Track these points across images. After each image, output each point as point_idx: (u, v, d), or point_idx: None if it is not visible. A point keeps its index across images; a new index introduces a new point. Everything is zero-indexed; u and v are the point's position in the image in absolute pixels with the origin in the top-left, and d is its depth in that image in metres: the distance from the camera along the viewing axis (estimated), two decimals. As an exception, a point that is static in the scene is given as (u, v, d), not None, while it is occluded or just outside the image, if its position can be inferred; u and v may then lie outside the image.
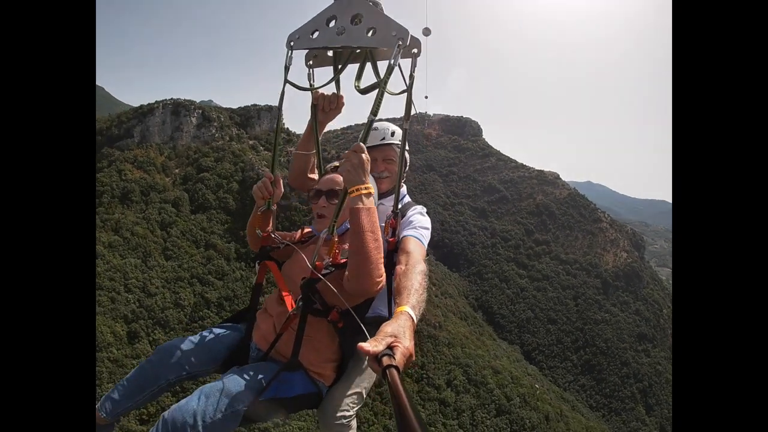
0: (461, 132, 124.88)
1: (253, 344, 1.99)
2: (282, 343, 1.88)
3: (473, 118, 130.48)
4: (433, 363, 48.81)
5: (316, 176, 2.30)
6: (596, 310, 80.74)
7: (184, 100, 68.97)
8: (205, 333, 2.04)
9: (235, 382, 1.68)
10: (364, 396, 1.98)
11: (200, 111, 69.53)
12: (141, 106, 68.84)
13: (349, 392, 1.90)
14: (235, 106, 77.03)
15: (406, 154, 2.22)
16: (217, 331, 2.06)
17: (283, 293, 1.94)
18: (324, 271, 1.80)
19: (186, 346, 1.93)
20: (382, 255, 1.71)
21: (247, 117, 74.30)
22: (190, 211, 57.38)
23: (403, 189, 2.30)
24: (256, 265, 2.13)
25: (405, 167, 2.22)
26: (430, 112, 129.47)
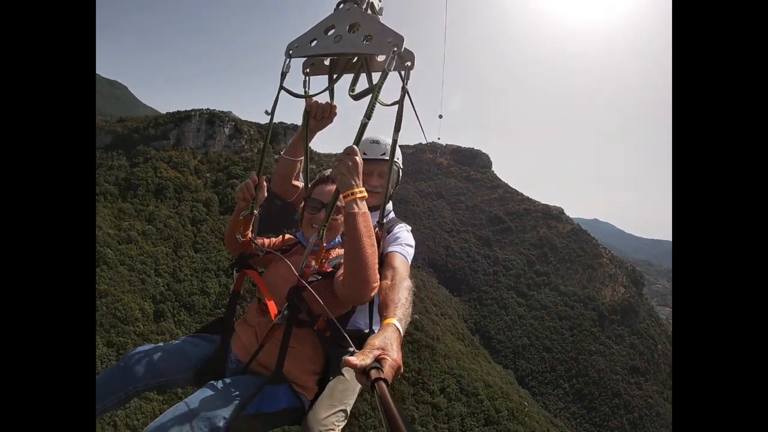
0: (471, 163, 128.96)
1: (233, 355, 1.91)
2: (264, 354, 1.80)
3: (484, 151, 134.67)
4: (429, 370, 51.53)
5: (299, 183, 2.27)
6: (591, 342, 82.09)
7: (219, 111, 75.83)
8: (178, 342, 1.98)
9: (214, 396, 1.59)
10: (348, 413, 1.93)
11: (233, 123, 75.91)
12: (178, 112, 75.73)
13: (334, 410, 1.86)
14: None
15: (400, 172, 2.32)
16: (191, 340, 2.00)
17: (268, 302, 1.83)
18: (311, 279, 1.78)
19: (157, 354, 1.84)
20: (377, 261, 1.65)
21: (274, 133, 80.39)
22: (219, 212, 62.26)
23: (389, 205, 2.31)
24: (234, 273, 2.08)
25: (397, 181, 2.27)
26: (443, 143, 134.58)
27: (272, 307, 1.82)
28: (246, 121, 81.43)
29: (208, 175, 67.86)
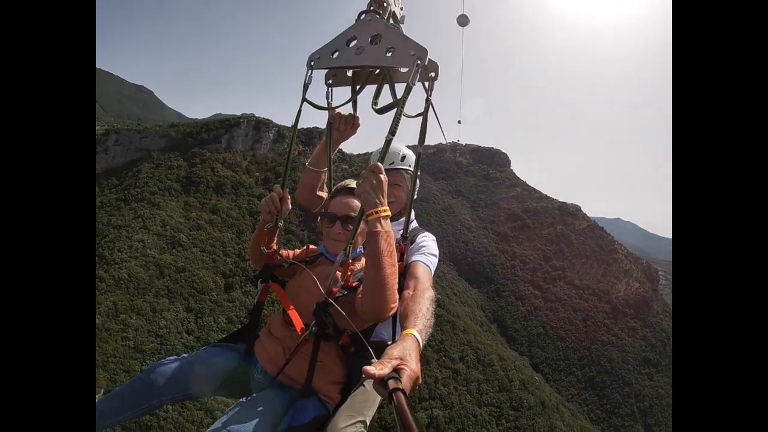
0: (491, 162, 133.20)
1: (259, 367, 1.94)
2: (292, 367, 1.84)
3: (503, 150, 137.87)
4: (450, 341, 59.07)
5: (324, 194, 2.26)
6: (604, 333, 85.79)
7: (264, 118, 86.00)
8: (201, 353, 2.00)
9: (247, 416, 1.66)
10: (367, 424, 1.92)
11: (276, 129, 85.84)
12: (228, 119, 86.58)
13: (353, 420, 1.86)
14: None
15: (418, 181, 2.27)
16: (214, 351, 2.03)
17: (292, 317, 1.87)
18: (336, 295, 1.78)
19: (182, 367, 1.88)
20: (397, 280, 1.66)
21: (310, 137, 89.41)
22: (271, 204, 71.97)
23: (412, 214, 2.28)
24: (258, 284, 2.09)
25: (415, 192, 2.23)
26: (462, 142, 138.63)
27: (296, 320, 1.86)
28: (287, 126, 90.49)
29: (257, 174, 77.76)
